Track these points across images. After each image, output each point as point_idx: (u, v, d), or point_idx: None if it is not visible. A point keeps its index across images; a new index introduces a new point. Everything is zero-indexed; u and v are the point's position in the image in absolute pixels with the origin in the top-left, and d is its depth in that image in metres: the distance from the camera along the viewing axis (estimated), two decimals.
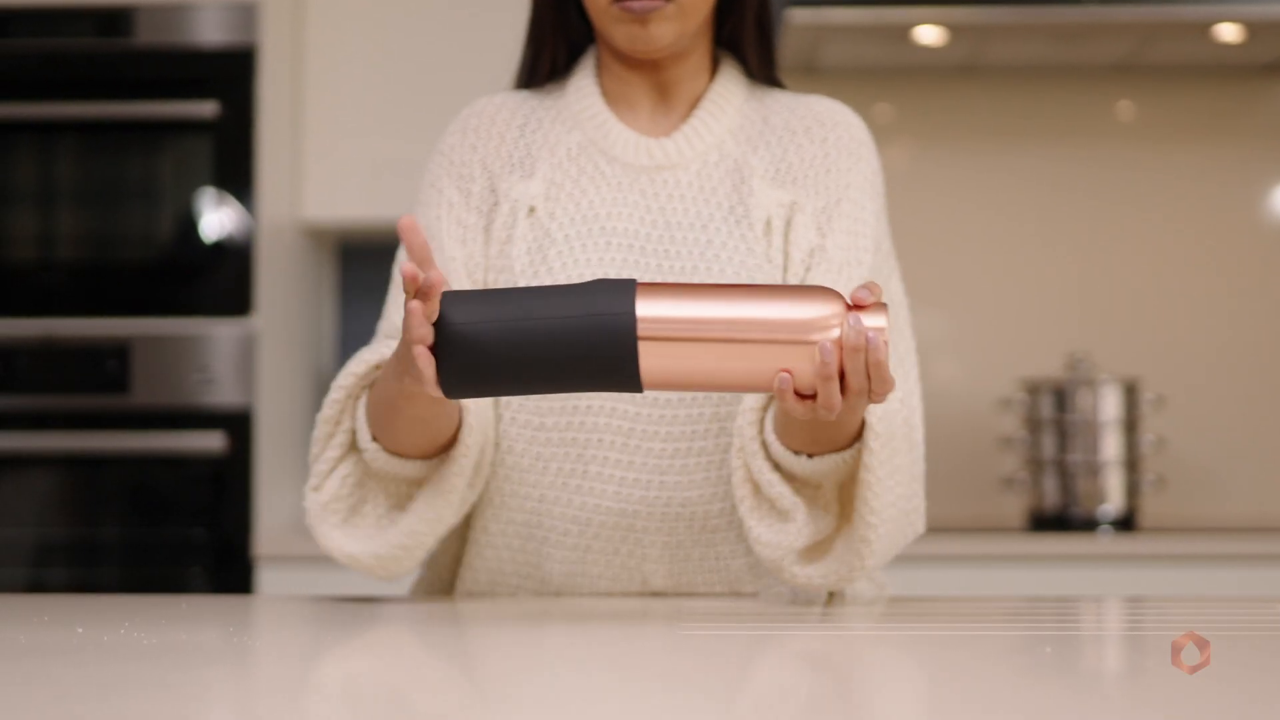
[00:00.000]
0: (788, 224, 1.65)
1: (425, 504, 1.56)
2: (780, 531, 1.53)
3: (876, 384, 1.33)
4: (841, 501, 1.56)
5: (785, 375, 1.31)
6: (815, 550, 1.55)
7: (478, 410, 1.57)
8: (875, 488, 1.49)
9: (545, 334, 1.28)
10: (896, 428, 1.52)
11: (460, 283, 1.65)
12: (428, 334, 1.30)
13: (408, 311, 1.30)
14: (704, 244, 1.64)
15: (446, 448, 1.56)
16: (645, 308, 1.29)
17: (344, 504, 1.58)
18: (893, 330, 1.61)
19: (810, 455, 1.51)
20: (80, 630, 1.34)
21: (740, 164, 1.68)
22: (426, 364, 1.30)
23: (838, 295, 1.32)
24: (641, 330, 1.28)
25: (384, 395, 1.51)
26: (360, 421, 1.56)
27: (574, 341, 1.28)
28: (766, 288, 1.33)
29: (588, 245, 1.64)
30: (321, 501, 1.57)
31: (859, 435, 1.50)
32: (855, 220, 1.67)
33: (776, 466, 1.53)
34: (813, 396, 1.33)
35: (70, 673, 1.11)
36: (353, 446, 1.58)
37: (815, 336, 1.29)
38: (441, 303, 1.29)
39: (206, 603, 1.73)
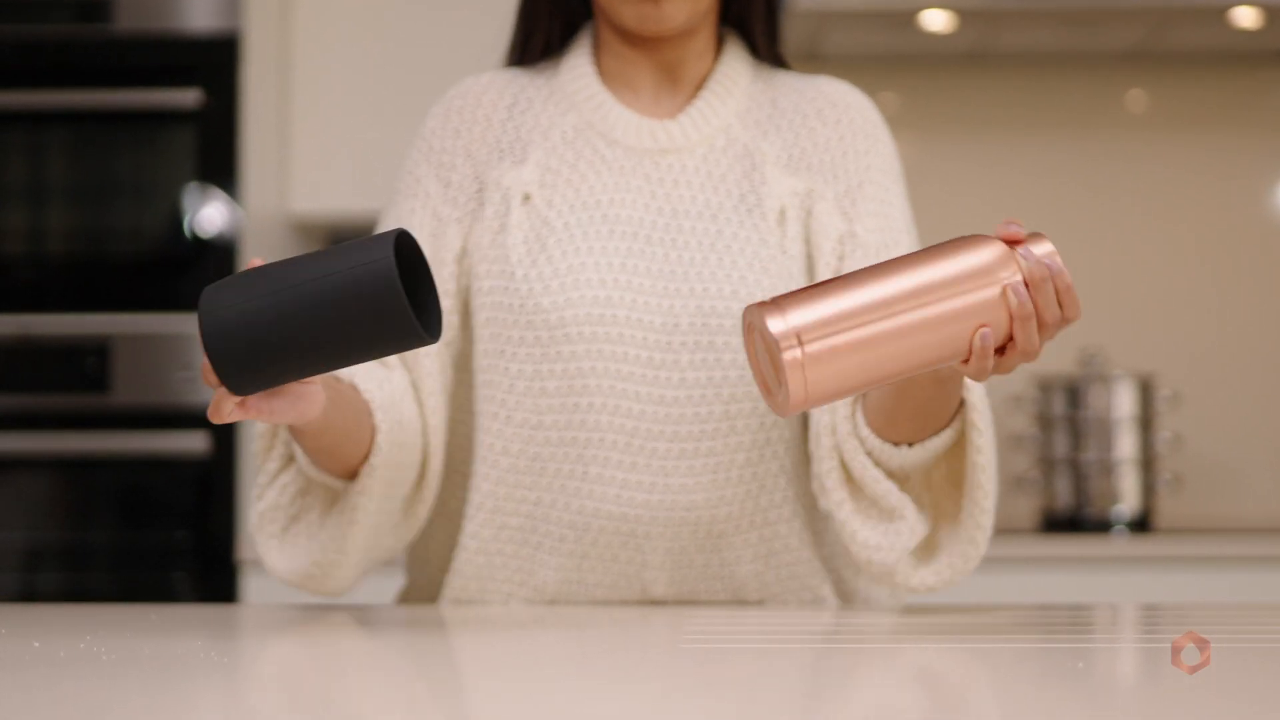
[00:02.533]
0: (807, 213, 1.60)
1: (333, 521, 1.52)
2: (891, 533, 1.49)
3: (1069, 308, 1.28)
4: (932, 491, 1.52)
5: (985, 331, 1.25)
6: (924, 550, 1.51)
7: (390, 428, 1.50)
8: (988, 469, 1.45)
9: (308, 299, 1.20)
10: (986, 401, 1.48)
11: None
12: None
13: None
14: (714, 234, 1.57)
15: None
16: (803, 315, 1.21)
17: (283, 513, 1.54)
18: None
19: (910, 445, 1.47)
20: (36, 645, 1.28)
21: (751, 150, 1.62)
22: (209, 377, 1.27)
23: (991, 237, 1.27)
24: (812, 346, 1.20)
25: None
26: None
27: (337, 300, 1.19)
28: (909, 256, 1.26)
29: (589, 234, 1.57)
30: (260, 511, 1.53)
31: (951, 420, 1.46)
32: (881, 203, 1.61)
33: (877, 463, 1.49)
34: (1001, 350, 1.28)
35: (17, 692, 1.04)
36: (291, 458, 1.54)
37: (1003, 279, 1.24)
38: (200, 300, 1.24)
39: (178, 613, 1.66)
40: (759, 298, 1.53)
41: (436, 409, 1.58)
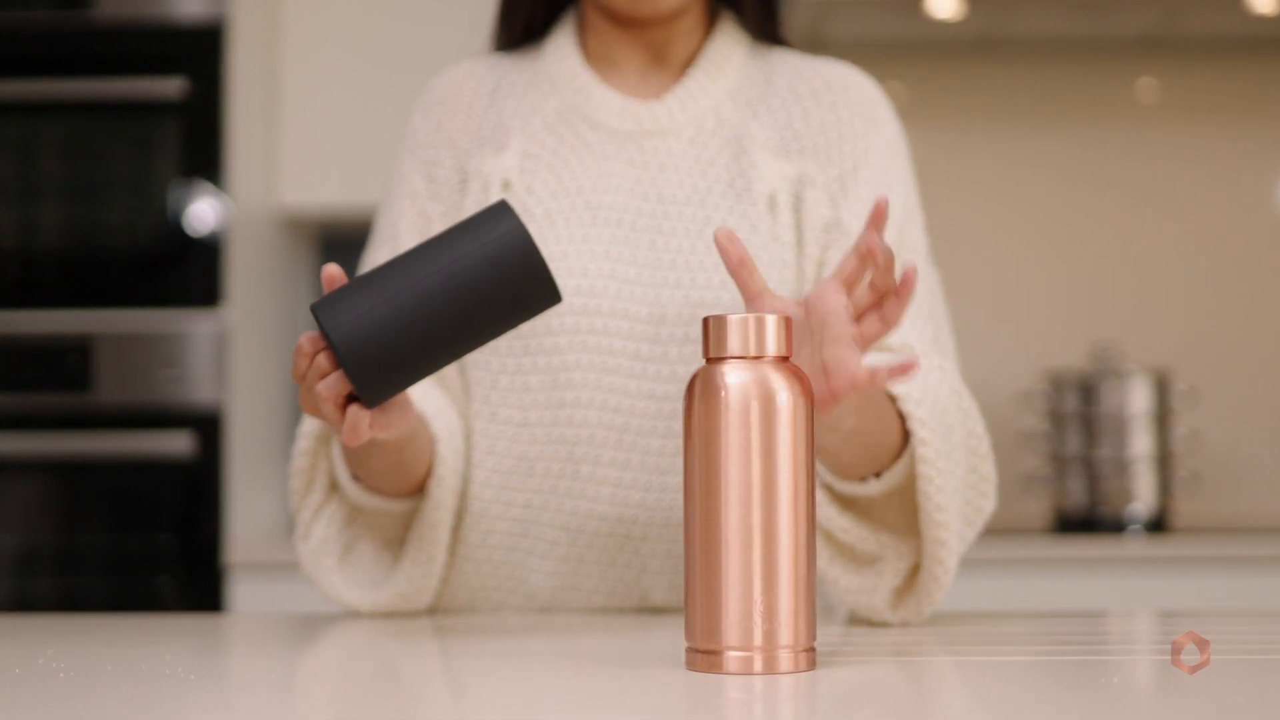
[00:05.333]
0: (797, 199, 1.53)
1: (415, 548, 1.49)
2: (873, 575, 1.44)
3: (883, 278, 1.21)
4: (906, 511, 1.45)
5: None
6: (903, 585, 1.46)
7: (448, 436, 1.49)
8: (937, 481, 1.37)
9: (443, 288, 1.19)
10: (945, 400, 1.41)
11: None
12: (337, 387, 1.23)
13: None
14: (702, 221, 1.51)
15: (426, 481, 1.49)
16: None
17: (335, 544, 1.51)
18: (921, 295, 1.53)
19: (878, 475, 1.40)
20: None
21: (740, 132, 1.55)
22: (333, 411, 1.24)
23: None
24: None
25: (346, 452, 1.44)
26: (337, 461, 1.48)
27: (475, 281, 1.18)
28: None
29: (570, 221, 1.51)
30: (312, 548, 1.51)
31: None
32: (877, 187, 1.54)
33: (846, 505, 1.43)
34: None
35: None
36: (333, 487, 1.51)
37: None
38: (317, 314, 1.19)
39: (152, 623, 1.61)
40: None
41: (464, 410, 1.55)
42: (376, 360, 1.18)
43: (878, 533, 1.43)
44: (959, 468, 1.41)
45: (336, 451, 1.48)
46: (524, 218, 1.52)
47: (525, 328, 1.48)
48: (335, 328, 1.18)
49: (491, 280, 1.18)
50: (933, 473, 1.36)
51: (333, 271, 1.23)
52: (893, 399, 1.37)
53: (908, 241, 1.54)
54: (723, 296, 1.48)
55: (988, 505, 1.47)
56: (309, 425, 1.48)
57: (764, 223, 1.51)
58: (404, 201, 1.57)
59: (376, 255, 1.57)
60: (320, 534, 1.50)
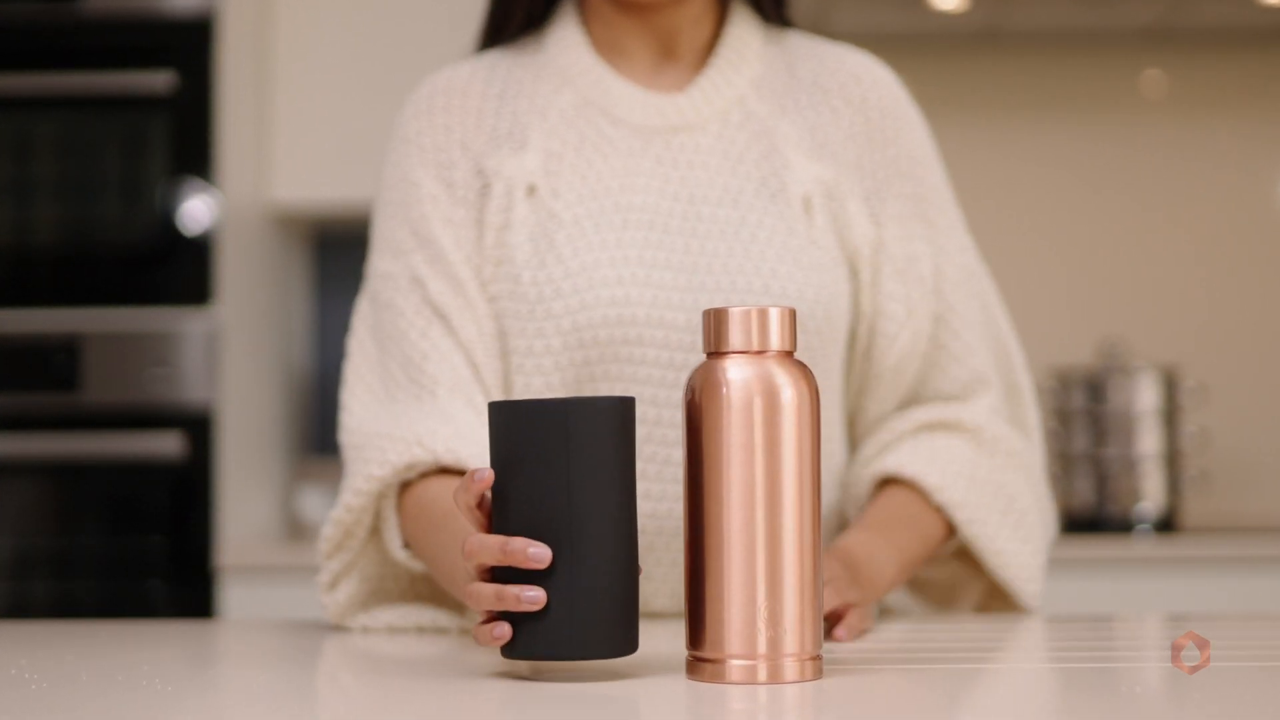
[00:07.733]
0: (833, 201, 1.50)
1: None
2: (951, 601, 1.61)
3: None
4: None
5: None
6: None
7: None
8: (990, 535, 1.51)
9: (588, 503, 1.07)
10: (975, 463, 1.50)
11: (470, 289, 1.46)
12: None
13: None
14: (737, 222, 1.46)
15: None
16: None
17: (363, 594, 1.46)
18: (963, 299, 1.57)
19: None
20: None
21: (769, 129, 1.51)
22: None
23: None
24: None
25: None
26: (390, 524, 1.41)
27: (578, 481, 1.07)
28: None
29: (600, 225, 1.45)
30: (340, 602, 1.44)
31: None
32: (910, 198, 1.54)
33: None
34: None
35: None
36: (370, 538, 1.44)
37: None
38: (549, 658, 1.07)
39: (137, 629, 1.60)
40: (790, 292, 1.44)
41: None
42: (615, 621, 1.08)
43: (947, 565, 1.55)
44: (1019, 504, 1.50)
45: (391, 516, 1.40)
46: (552, 224, 1.45)
47: (555, 340, 1.42)
48: (585, 651, 1.06)
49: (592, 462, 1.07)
50: (982, 534, 1.48)
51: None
52: (920, 489, 1.46)
53: (949, 250, 1.54)
54: (764, 302, 1.43)
55: (1051, 506, 1.57)
56: (363, 484, 1.38)
57: (800, 224, 1.47)
58: (425, 206, 1.48)
59: (412, 261, 1.47)
60: (350, 590, 1.44)
